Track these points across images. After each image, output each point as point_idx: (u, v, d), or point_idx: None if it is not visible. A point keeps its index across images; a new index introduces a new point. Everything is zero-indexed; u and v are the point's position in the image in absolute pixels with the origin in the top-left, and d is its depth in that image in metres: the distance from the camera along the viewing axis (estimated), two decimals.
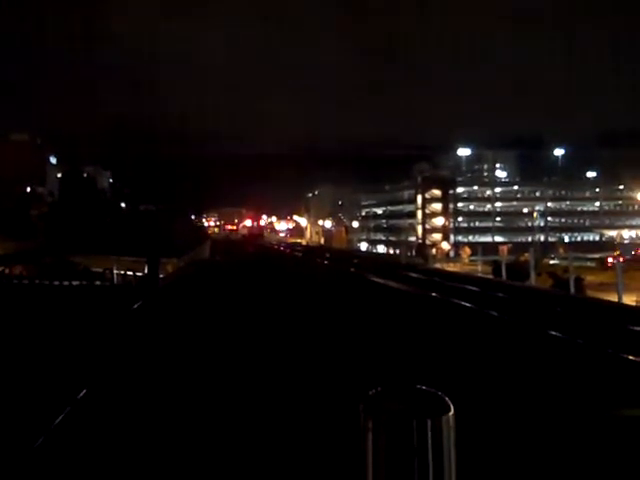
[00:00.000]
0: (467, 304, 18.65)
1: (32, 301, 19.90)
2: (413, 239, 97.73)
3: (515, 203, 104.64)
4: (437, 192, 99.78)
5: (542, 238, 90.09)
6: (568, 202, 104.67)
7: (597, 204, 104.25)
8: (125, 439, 6.03)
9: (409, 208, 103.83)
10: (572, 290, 24.18)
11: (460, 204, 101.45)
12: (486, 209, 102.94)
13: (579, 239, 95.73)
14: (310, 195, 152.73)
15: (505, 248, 34.96)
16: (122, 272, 30.98)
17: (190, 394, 7.68)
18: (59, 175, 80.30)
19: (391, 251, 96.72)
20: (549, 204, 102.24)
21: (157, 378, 8.63)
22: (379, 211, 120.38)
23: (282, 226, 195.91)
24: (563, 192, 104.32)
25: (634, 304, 24.53)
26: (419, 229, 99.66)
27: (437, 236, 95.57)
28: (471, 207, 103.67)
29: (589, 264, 50.57)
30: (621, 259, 34.97)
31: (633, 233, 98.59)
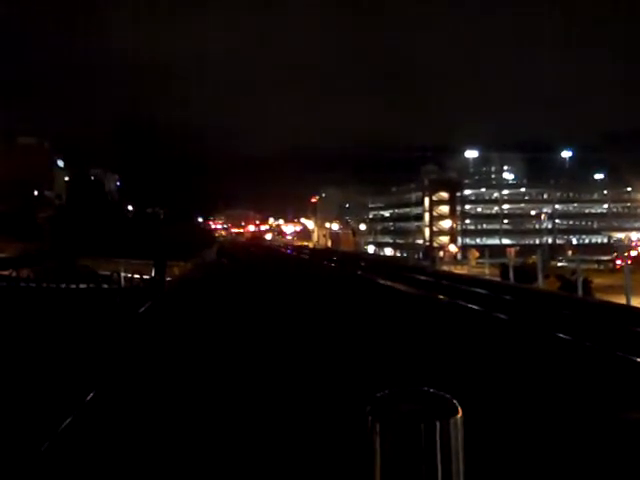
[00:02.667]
0: (475, 307, 18.59)
1: (39, 304, 19.94)
2: (420, 242, 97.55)
3: (522, 205, 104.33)
4: (444, 194, 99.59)
5: (550, 240, 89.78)
6: (576, 204, 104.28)
7: (605, 206, 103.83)
8: (128, 443, 6.02)
9: (416, 211, 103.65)
10: (580, 293, 24.06)
11: (467, 206, 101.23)
12: (493, 211, 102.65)
13: (587, 241, 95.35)
14: (317, 198, 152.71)
15: (513, 250, 34.79)
16: (129, 275, 31.00)
17: (192, 395, 7.67)
18: (66, 178, 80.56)
19: (398, 254, 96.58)
20: (557, 206, 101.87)
21: (160, 380, 8.63)
22: (386, 214, 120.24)
23: (289, 229, 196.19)
24: (571, 194, 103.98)
25: None
26: (426, 232, 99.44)
27: (444, 238, 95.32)
28: (478, 209, 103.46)
29: (597, 266, 50.36)
30: (620, 261, 34.75)
31: None
